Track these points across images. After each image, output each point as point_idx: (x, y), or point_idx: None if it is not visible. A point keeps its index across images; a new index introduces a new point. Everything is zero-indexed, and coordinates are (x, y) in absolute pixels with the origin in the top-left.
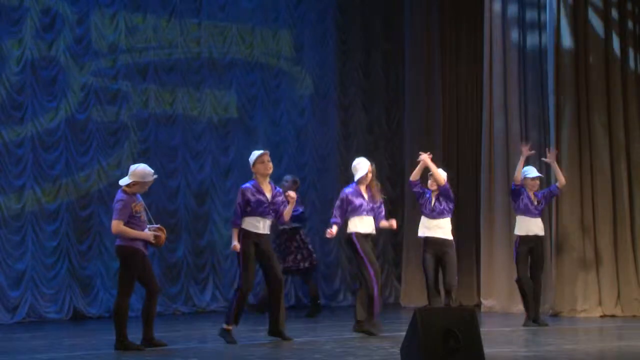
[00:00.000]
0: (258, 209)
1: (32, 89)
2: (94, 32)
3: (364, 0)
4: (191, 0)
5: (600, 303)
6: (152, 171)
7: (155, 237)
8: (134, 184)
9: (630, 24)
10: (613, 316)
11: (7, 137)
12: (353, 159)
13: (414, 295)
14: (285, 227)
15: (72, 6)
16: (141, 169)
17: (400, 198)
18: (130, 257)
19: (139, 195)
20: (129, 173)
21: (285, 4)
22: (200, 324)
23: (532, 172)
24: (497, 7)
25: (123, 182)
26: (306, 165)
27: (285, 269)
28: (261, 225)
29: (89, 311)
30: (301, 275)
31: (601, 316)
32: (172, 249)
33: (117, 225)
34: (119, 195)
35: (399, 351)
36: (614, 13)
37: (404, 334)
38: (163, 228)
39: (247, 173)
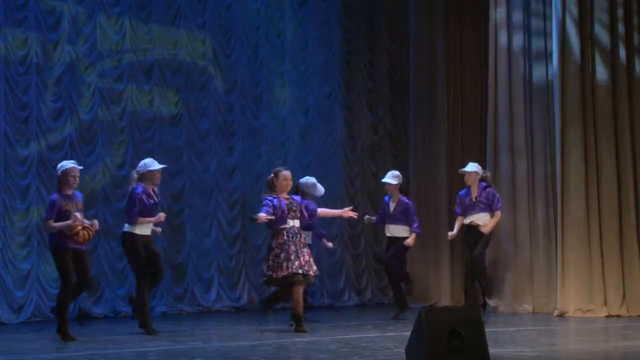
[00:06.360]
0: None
1: (37, 89)
2: (99, 32)
3: (368, 0)
4: (196, 0)
5: (605, 303)
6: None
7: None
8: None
9: (637, 37)
10: (618, 316)
11: (13, 137)
12: (358, 159)
13: (418, 295)
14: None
15: (77, 6)
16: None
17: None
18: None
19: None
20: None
21: (290, 4)
22: (205, 324)
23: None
24: (501, 12)
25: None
26: (311, 165)
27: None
28: None
29: (95, 311)
30: None
31: (606, 316)
32: (178, 249)
33: None
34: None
35: (404, 351)
36: (620, 27)
37: (408, 333)
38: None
39: (252, 173)
